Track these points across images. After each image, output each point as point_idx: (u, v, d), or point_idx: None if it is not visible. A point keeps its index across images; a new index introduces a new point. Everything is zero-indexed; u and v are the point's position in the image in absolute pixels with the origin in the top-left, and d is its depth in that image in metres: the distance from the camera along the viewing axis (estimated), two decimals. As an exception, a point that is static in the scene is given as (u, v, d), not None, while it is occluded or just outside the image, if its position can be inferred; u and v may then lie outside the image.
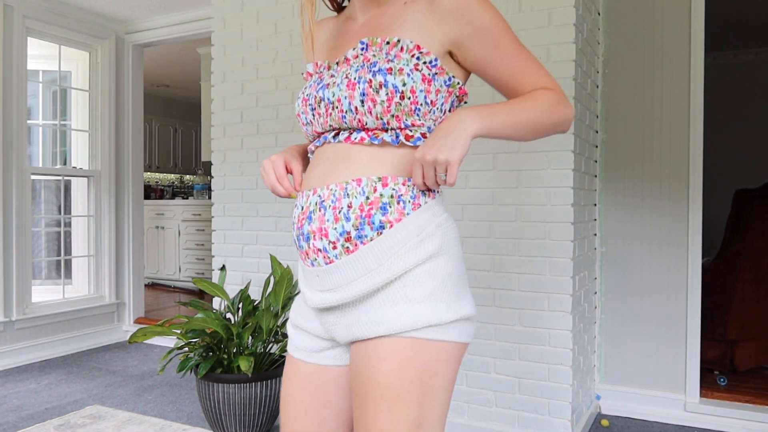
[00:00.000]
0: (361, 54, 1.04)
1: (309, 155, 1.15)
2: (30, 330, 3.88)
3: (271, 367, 2.62)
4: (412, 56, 1.00)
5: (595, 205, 2.95)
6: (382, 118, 0.98)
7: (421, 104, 0.99)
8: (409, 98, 0.97)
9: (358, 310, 0.99)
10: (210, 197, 5.02)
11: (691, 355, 2.80)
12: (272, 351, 2.69)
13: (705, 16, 2.77)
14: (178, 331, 2.52)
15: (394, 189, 0.98)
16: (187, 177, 9.04)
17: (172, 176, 8.90)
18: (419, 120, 1.00)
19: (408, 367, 0.93)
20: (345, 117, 1.00)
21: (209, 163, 3.58)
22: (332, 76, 1.05)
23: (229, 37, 3.23)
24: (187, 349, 2.62)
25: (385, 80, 0.96)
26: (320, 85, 1.05)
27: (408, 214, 0.98)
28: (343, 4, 1.22)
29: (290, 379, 1.11)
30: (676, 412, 2.81)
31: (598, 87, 2.95)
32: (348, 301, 1.00)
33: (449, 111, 1.04)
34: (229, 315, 2.88)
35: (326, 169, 1.03)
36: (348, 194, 0.98)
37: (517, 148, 2.50)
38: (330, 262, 1.00)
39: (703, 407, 2.77)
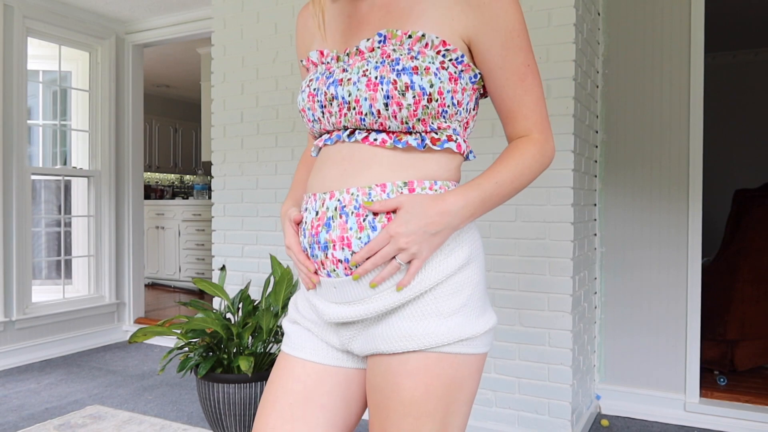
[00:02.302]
0: (378, 47, 0.93)
1: (312, 152, 1.07)
2: (30, 330, 3.88)
3: (271, 367, 2.62)
4: (438, 53, 0.91)
5: (595, 205, 2.95)
6: (407, 122, 0.90)
7: (449, 106, 0.91)
8: (437, 100, 0.89)
9: (383, 323, 0.92)
10: (210, 197, 5.02)
11: (691, 355, 2.80)
12: (272, 351, 2.69)
13: (705, 16, 2.78)
14: (178, 331, 2.52)
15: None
16: (187, 177, 9.04)
17: (172, 176, 8.90)
18: (445, 123, 0.92)
19: (436, 384, 0.89)
20: (364, 119, 0.91)
21: (209, 163, 3.59)
22: (344, 70, 0.94)
23: (229, 37, 3.23)
24: (187, 349, 2.62)
25: (412, 81, 0.87)
26: (331, 80, 0.94)
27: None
28: None
29: (278, 379, 1.00)
30: (676, 412, 2.81)
31: (598, 87, 2.95)
32: (374, 314, 0.91)
33: (474, 110, 0.98)
34: (229, 315, 2.88)
35: (344, 171, 0.93)
36: (372, 200, 0.90)
37: (517, 148, 2.50)
38: (351, 274, 0.92)
39: (703, 407, 2.77)
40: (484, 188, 0.93)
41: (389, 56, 0.91)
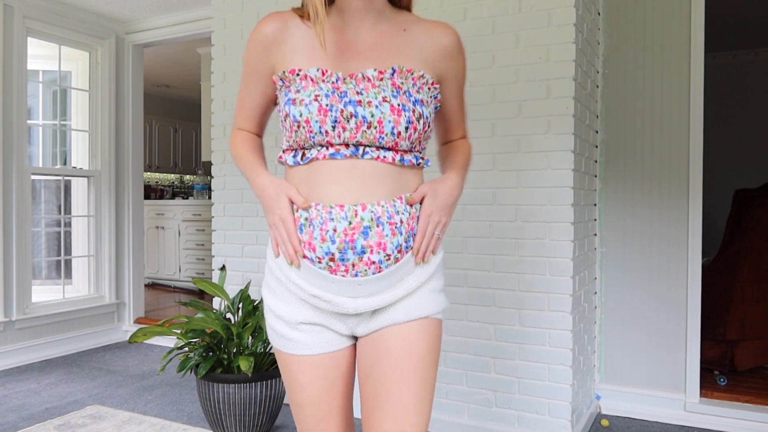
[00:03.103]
0: (389, 78, 1.13)
1: (291, 159, 1.16)
2: (30, 330, 3.88)
3: (271, 367, 2.62)
4: (429, 89, 1.17)
5: (595, 205, 2.95)
6: (414, 144, 1.14)
7: (431, 131, 1.19)
8: (429, 127, 1.16)
9: (397, 304, 1.15)
10: (210, 197, 5.02)
11: (691, 355, 2.80)
12: (272, 351, 2.69)
13: (705, 16, 2.78)
14: (178, 331, 2.52)
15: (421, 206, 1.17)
16: (187, 177, 9.04)
17: (172, 176, 8.90)
18: (426, 144, 1.19)
19: (434, 339, 1.19)
20: (383, 138, 1.10)
21: (209, 163, 3.59)
22: (359, 93, 1.11)
23: (229, 37, 3.23)
24: (187, 349, 2.62)
25: (422, 111, 1.13)
26: (346, 100, 1.09)
27: None
28: None
29: (303, 376, 1.17)
30: (676, 412, 2.81)
31: (598, 87, 2.95)
32: (401, 297, 1.15)
33: None
34: (229, 315, 2.88)
35: (364, 186, 1.10)
36: (398, 211, 1.12)
37: (517, 148, 2.51)
38: (379, 272, 1.12)
39: (703, 407, 2.77)
40: (463, 171, 1.25)
41: (400, 87, 1.13)
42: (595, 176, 2.95)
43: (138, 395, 3.18)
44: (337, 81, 1.12)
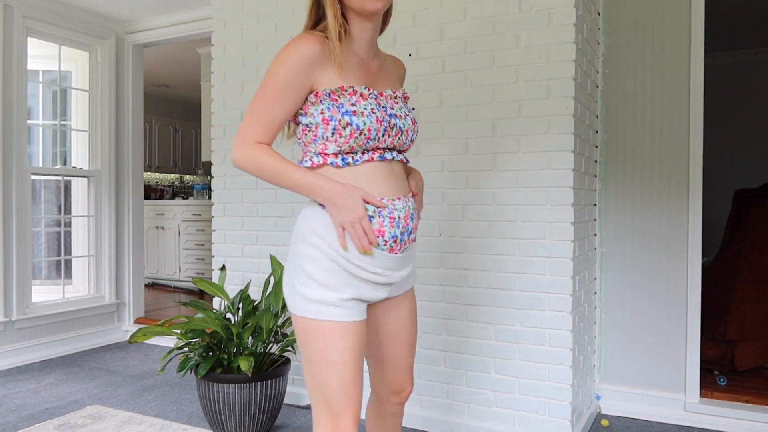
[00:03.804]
0: (400, 97, 1.48)
1: (343, 161, 1.37)
2: (30, 330, 3.88)
3: (271, 367, 2.62)
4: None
5: (595, 205, 2.95)
6: (410, 147, 1.50)
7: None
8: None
9: (410, 274, 1.55)
10: (210, 197, 5.02)
11: (691, 355, 2.80)
12: (272, 351, 2.69)
13: (705, 16, 2.77)
14: (178, 331, 2.52)
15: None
16: (187, 177, 9.03)
17: (172, 176, 8.90)
18: None
19: (414, 301, 1.61)
20: (406, 143, 1.44)
21: (209, 163, 3.59)
22: (392, 108, 1.41)
23: (229, 37, 3.23)
24: (187, 349, 2.62)
25: (415, 122, 1.48)
26: (388, 113, 1.38)
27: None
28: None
29: (352, 344, 1.37)
30: (676, 412, 2.81)
31: (598, 87, 2.95)
32: (410, 269, 1.52)
33: None
34: (229, 315, 2.88)
35: (397, 182, 1.43)
36: (413, 203, 1.48)
37: (517, 148, 2.51)
38: (406, 249, 1.46)
39: (703, 407, 2.77)
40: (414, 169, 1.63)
41: (406, 105, 1.49)
42: (595, 176, 2.95)
43: (138, 395, 3.18)
44: (376, 97, 1.39)
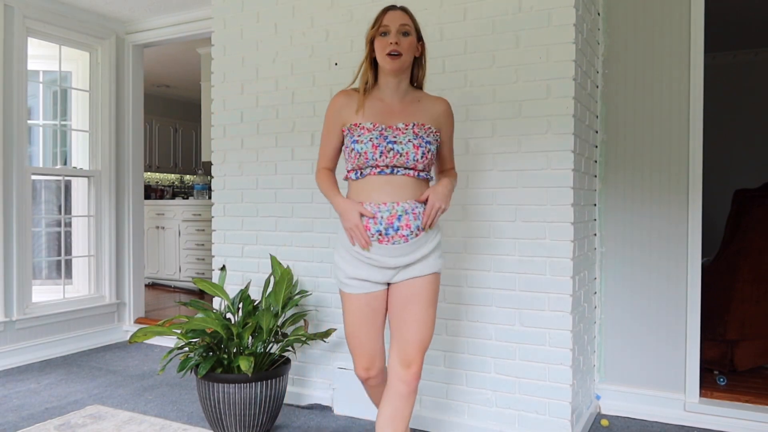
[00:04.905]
0: (411, 129, 1.90)
1: (353, 175, 1.94)
2: (30, 330, 3.88)
3: (271, 367, 2.62)
4: (432, 134, 1.93)
5: (595, 205, 2.95)
6: (425, 166, 1.91)
7: (433, 159, 1.95)
8: (433, 156, 1.94)
9: (417, 264, 1.91)
10: (210, 197, 5.02)
11: (690, 355, 2.80)
12: (272, 351, 2.69)
13: (705, 16, 2.78)
14: (178, 331, 2.52)
15: (422, 206, 1.91)
16: (187, 177, 9.03)
17: (172, 176, 8.90)
18: (431, 167, 1.99)
19: (436, 287, 1.96)
20: (408, 162, 1.87)
21: (209, 163, 3.59)
22: (395, 137, 1.88)
23: (229, 37, 3.23)
24: (187, 349, 2.62)
25: (429, 147, 1.90)
26: (388, 141, 1.87)
27: None
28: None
29: (355, 308, 1.96)
30: (676, 412, 2.81)
31: (598, 87, 2.95)
32: (418, 259, 1.90)
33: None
34: (229, 315, 2.88)
35: (392, 190, 1.88)
36: (416, 206, 1.89)
37: (517, 148, 2.51)
38: (407, 242, 1.87)
39: (703, 407, 2.77)
40: (450, 181, 1.99)
41: (417, 134, 1.90)
42: (595, 176, 2.95)
43: (138, 395, 3.18)
44: (383, 130, 1.89)
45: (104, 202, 4.37)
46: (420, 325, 1.91)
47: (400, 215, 1.85)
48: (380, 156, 1.85)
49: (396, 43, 1.87)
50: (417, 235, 1.87)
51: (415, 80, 2.02)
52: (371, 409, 2.44)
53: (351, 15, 2.87)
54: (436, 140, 1.93)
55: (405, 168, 1.87)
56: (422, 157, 1.87)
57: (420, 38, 1.97)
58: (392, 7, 1.94)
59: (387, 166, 1.86)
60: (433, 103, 2.01)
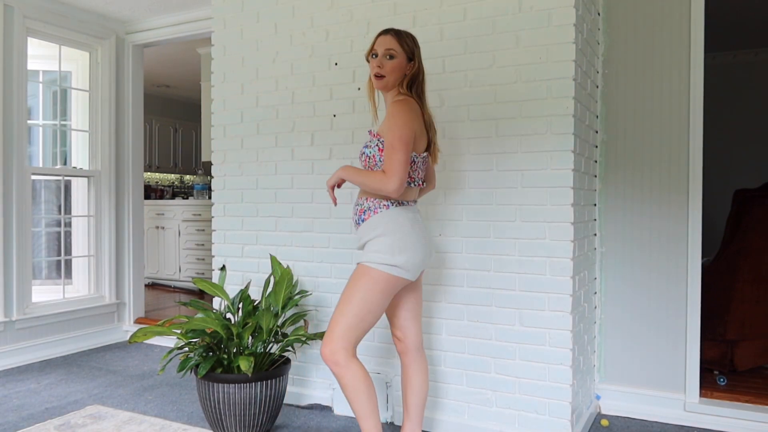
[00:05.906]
0: (369, 135, 2.14)
1: None
2: (30, 330, 3.88)
3: (271, 367, 2.62)
4: (376, 141, 2.09)
5: (595, 205, 2.95)
6: (364, 167, 2.12)
7: (377, 163, 2.08)
8: (373, 158, 2.08)
9: (360, 251, 2.10)
10: (210, 197, 5.02)
11: (690, 355, 2.80)
12: (272, 351, 2.69)
13: (705, 16, 2.78)
14: (178, 331, 2.52)
15: (368, 203, 2.10)
16: (187, 177, 9.03)
17: (172, 176, 8.90)
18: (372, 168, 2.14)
19: (359, 276, 2.04)
20: (364, 164, 2.12)
21: (209, 163, 3.58)
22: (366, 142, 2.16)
23: (229, 37, 3.23)
24: (187, 349, 2.62)
25: (365, 150, 2.12)
26: (364, 145, 2.14)
27: (372, 216, 2.08)
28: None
29: (391, 292, 2.10)
30: (676, 412, 2.81)
31: (598, 87, 2.95)
32: (360, 246, 2.11)
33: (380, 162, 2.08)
34: (229, 315, 2.88)
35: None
36: (356, 203, 2.16)
37: (516, 148, 2.51)
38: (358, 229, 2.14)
39: (703, 407, 2.77)
40: (354, 172, 2.11)
41: (366, 142, 2.17)
42: (595, 176, 2.95)
43: (138, 395, 3.18)
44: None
45: (104, 202, 4.37)
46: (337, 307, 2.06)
47: (356, 207, 2.16)
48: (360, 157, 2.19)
49: (380, 66, 2.09)
50: (359, 226, 2.12)
51: (414, 93, 2.18)
52: (371, 409, 2.44)
53: (351, 15, 2.87)
54: (376, 145, 2.07)
55: (371, 168, 2.11)
56: (362, 159, 2.13)
57: (411, 59, 2.11)
58: (384, 32, 2.12)
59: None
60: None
